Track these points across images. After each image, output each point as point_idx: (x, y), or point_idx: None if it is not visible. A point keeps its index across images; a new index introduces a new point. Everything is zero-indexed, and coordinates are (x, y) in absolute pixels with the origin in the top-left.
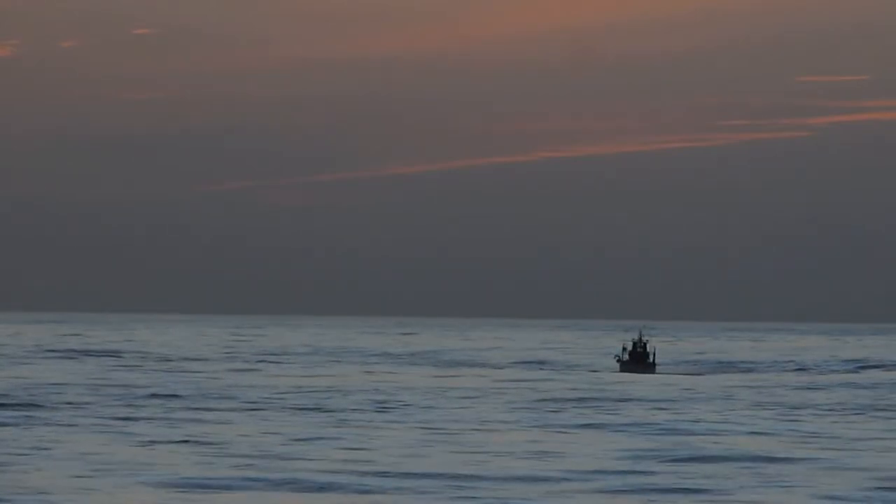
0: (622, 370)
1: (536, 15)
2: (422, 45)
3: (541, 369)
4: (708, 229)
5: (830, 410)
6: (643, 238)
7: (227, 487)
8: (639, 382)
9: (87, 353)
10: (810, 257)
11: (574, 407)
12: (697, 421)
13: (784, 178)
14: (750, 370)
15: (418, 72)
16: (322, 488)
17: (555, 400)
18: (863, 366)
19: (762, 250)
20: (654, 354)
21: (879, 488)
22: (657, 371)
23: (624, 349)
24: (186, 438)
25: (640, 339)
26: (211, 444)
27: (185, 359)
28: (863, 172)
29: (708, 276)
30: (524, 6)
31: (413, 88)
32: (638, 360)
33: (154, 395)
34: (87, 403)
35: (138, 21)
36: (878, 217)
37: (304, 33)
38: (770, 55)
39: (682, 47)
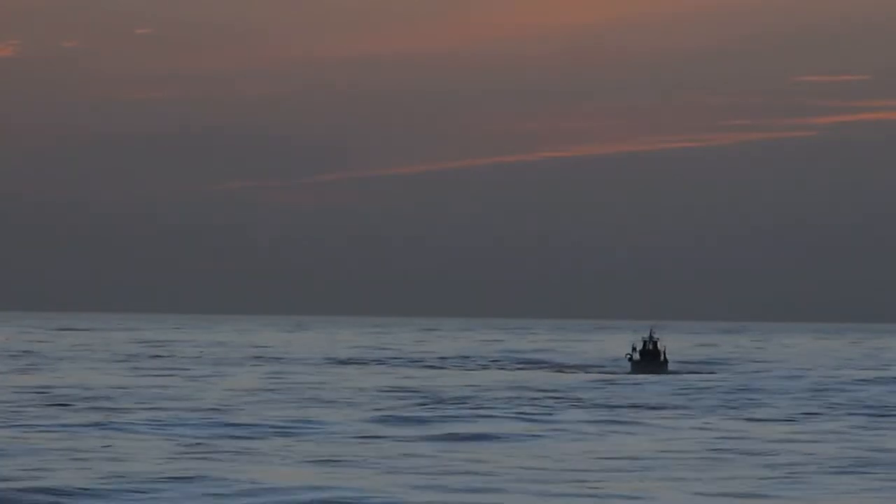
0: (634, 370)
1: (536, 14)
2: (422, 44)
3: (561, 371)
4: (708, 229)
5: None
6: (642, 238)
7: None
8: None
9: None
10: (810, 257)
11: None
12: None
13: (784, 178)
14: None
15: (418, 71)
16: None
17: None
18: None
19: (762, 250)
20: (665, 353)
21: None
22: (669, 370)
23: (634, 348)
24: None
25: (651, 338)
26: None
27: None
28: (863, 172)
29: (708, 276)
30: (524, 5)
31: (414, 88)
32: (650, 359)
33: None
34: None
35: (140, 21)
36: (878, 217)
37: (304, 33)
38: (770, 55)
39: (682, 47)
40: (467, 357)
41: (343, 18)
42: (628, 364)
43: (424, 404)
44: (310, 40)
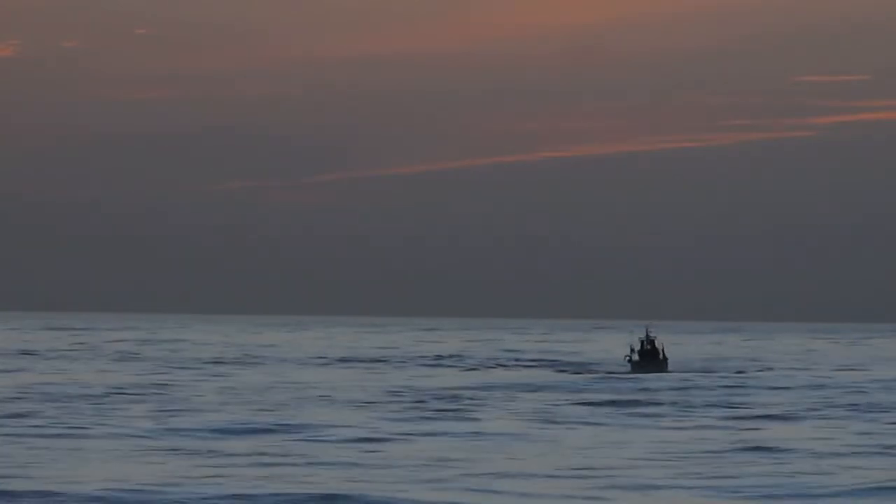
0: (634, 370)
1: (536, 14)
2: (422, 44)
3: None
4: (708, 229)
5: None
6: (643, 238)
7: None
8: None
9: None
10: (811, 257)
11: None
12: None
13: (784, 178)
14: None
15: (418, 71)
16: None
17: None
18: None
19: (762, 250)
20: (663, 351)
21: None
22: (669, 369)
23: (632, 349)
24: None
25: (648, 337)
26: None
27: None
28: (863, 172)
29: (708, 276)
30: (524, 5)
31: (414, 88)
32: (649, 358)
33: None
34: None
35: (140, 21)
36: (878, 217)
37: (304, 33)
38: (770, 55)
39: (682, 47)
40: (466, 356)
41: (343, 18)
42: (628, 365)
43: (423, 402)
44: (310, 40)
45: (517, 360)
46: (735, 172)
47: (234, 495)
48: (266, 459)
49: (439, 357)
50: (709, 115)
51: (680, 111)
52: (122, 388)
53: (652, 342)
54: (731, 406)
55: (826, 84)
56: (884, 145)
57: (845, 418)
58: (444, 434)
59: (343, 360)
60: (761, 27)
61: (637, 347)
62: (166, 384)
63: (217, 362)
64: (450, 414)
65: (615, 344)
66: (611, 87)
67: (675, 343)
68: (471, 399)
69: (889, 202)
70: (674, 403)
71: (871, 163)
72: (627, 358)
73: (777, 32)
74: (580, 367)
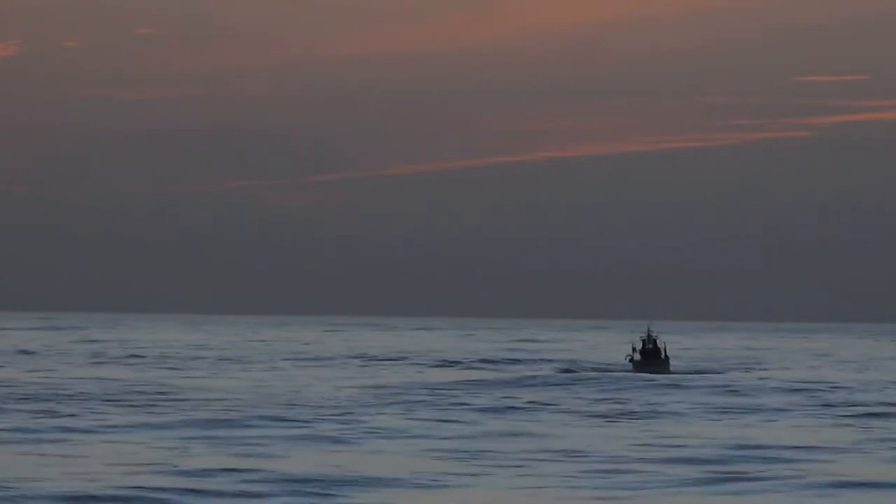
0: (636, 370)
1: (536, 14)
2: (422, 44)
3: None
4: (708, 229)
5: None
6: (643, 238)
7: None
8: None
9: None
10: (810, 257)
11: None
12: None
13: (784, 178)
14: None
15: (419, 71)
16: None
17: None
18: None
19: (762, 250)
20: (665, 351)
21: None
22: (671, 369)
23: (634, 349)
24: None
25: (650, 336)
26: None
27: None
28: (863, 172)
29: (708, 276)
30: (525, 5)
31: (413, 88)
32: (651, 358)
33: None
34: None
35: (140, 21)
36: (878, 217)
37: (304, 33)
38: (770, 55)
39: (682, 47)
40: (465, 355)
41: (343, 18)
42: (630, 365)
43: (421, 400)
44: (310, 40)
45: (515, 358)
46: (735, 172)
47: (230, 492)
48: (261, 456)
49: (437, 356)
50: (708, 115)
51: (679, 111)
52: (121, 387)
53: (654, 341)
54: (732, 405)
55: (826, 84)
56: (884, 145)
57: (846, 417)
58: (441, 431)
59: (341, 358)
60: (761, 27)
61: (638, 347)
62: (164, 383)
63: (215, 361)
64: (446, 412)
65: (615, 343)
66: (611, 87)
67: (677, 343)
68: (467, 396)
69: (889, 202)
70: (675, 402)
71: (871, 163)
72: (629, 358)
73: (777, 32)
74: (580, 366)
